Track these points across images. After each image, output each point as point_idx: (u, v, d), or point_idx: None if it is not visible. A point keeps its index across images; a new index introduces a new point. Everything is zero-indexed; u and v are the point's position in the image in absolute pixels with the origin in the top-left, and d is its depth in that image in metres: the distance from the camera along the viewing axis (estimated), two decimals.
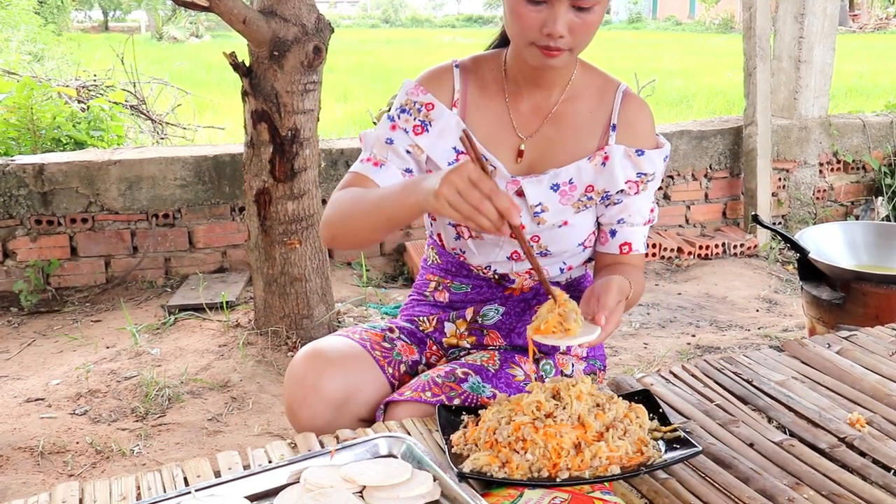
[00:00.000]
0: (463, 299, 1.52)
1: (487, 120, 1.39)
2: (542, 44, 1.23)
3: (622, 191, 1.38)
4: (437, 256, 1.55)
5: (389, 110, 1.43)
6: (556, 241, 1.40)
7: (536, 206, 1.36)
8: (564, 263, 1.46)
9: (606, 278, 1.25)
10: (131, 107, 5.63)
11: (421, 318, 1.54)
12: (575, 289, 1.52)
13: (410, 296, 1.61)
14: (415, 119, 1.38)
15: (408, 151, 1.38)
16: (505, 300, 1.49)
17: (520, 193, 1.37)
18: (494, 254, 1.44)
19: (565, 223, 1.39)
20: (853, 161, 4.71)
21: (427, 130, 1.37)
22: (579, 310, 1.18)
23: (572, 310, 1.17)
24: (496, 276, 1.48)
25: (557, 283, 1.50)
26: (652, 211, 1.44)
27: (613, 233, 1.42)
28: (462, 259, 1.49)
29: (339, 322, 3.14)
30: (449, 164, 1.36)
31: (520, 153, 1.38)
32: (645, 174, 1.38)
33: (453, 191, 1.08)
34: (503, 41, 1.44)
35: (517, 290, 1.49)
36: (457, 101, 1.39)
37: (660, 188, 4.34)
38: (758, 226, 4.18)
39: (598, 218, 1.43)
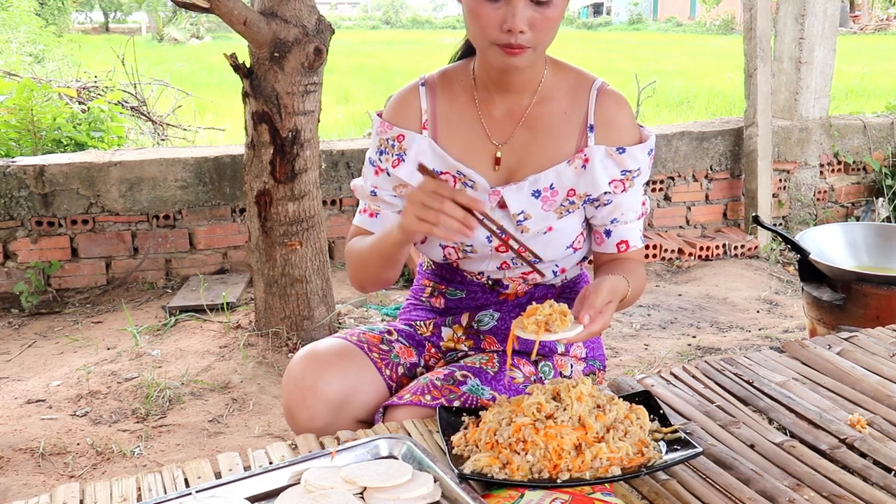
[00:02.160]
0: (458, 305, 1.51)
1: (460, 132, 1.38)
2: (503, 42, 1.22)
3: (608, 192, 1.36)
4: (431, 262, 1.55)
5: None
6: (543, 248, 1.38)
7: (519, 214, 1.35)
8: (557, 266, 1.45)
9: (600, 279, 1.25)
10: (132, 108, 5.63)
11: (418, 322, 1.53)
12: (571, 290, 1.51)
13: (408, 300, 1.61)
14: (392, 155, 1.39)
15: (394, 195, 1.40)
16: (500, 305, 1.49)
17: (502, 205, 1.35)
18: (485, 264, 1.43)
19: (550, 229, 1.37)
20: (854, 162, 4.71)
21: (403, 160, 1.37)
22: (568, 310, 1.18)
23: (560, 310, 1.17)
24: (490, 282, 1.48)
25: (552, 286, 1.49)
26: (644, 204, 1.41)
27: (608, 233, 1.40)
28: (456, 265, 1.48)
29: (340, 323, 3.14)
30: None
31: (497, 161, 1.36)
32: (629, 171, 1.35)
33: (416, 204, 1.16)
34: (468, 50, 1.43)
35: (511, 295, 1.48)
36: (426, 121, 1.38)
37: (660, 189, 4.34)
38: (758, 227, 4.19)
39: (589, 219, 1.42)
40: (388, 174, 1.39)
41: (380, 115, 1.44)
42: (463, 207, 1.14)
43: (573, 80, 1.38)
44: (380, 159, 1.40)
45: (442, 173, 1.37)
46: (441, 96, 1.39)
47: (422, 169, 1.19)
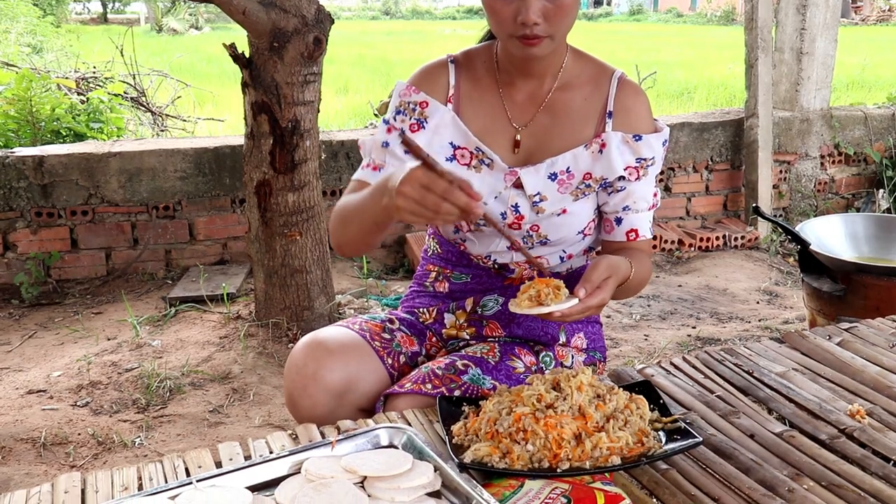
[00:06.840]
0: (463, 289, 1.52)
1: (482, 112, 1.39)
2: (519, 34, 1.24)
3: (623, 177, 1.37)
4: (437, 246, 1.55)
5: (391, 98, 1.44)
6: (555, 230, 1.40)
7: (535, 195, 1.37)
8: (564, 252, 1.46)
9: (599, 257, 1.26)
10: (131, 99, 5.62)
11: (421, 309, 1.54)
12: (576, 278, 1.51)
13: (411, 287, 1.61)
14: (410, 118, 1.39)
15: (406, 152, 1.37)
16: (504, 290, 1.50)
17: (518, 185, 1.37)
18: (494, 244, 1.44)
19: (564, 211, 1.39)
20: (854, 153, 4.71)
21: (423, 128, 1.38)
22: (562, 285, 1.19)
23: (554, 285, 1.18)
24: (496, 266, 1.48)
25: (558, 274, 1.50)
26: (655, 195, 1.43)
27: (619, 220, 1.41)
28: (462, 248, 1.49)
29: (340, 314, 3.14)
30: (446, 160, 1.38)
31: (516, 143, 1.38)
32: (644, 159, 1.38)
33: (409, 201, 1.09)
34: (492, 34, 1.44)
35: (517, 280, 1.49)
36: (451, 96, 1.40)
37: (661, 180, 4.33)
38: (759, 218, 4.18)
39: (601, 206, 1.43)
40: (403, 133, 1.37)
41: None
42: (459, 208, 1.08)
43: (594, 69, 1.41)
44: (395, 118, 1.40)
45: (460, 147, 1.38)
46: (465, 76, 1.41)
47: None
